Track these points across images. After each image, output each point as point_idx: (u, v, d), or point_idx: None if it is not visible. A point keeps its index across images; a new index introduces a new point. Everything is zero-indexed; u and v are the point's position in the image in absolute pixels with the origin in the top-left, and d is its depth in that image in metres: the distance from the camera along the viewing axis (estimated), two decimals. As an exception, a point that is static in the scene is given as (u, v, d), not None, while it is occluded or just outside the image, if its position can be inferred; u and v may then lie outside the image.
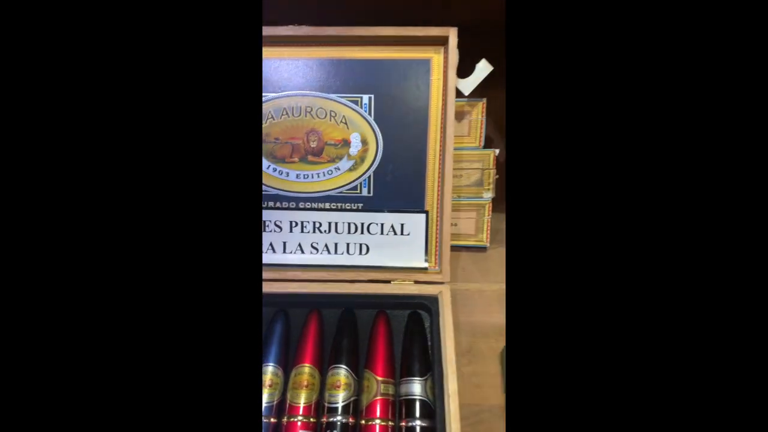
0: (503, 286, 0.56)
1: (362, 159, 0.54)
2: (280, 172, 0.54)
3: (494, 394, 0.49)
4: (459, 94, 0.53)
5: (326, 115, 0.53)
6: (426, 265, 0.54)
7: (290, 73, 0.52)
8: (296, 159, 0.54)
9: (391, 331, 0.50)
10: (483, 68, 0.53)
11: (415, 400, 0.44)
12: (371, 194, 0.54)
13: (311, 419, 0.44)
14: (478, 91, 0.55)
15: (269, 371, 0.46)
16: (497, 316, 0.54)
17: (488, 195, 0.58)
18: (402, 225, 0.54)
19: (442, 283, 0.53)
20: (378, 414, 0.43)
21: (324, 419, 0.44)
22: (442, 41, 0.51)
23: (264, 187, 0.55)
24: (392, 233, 0.55)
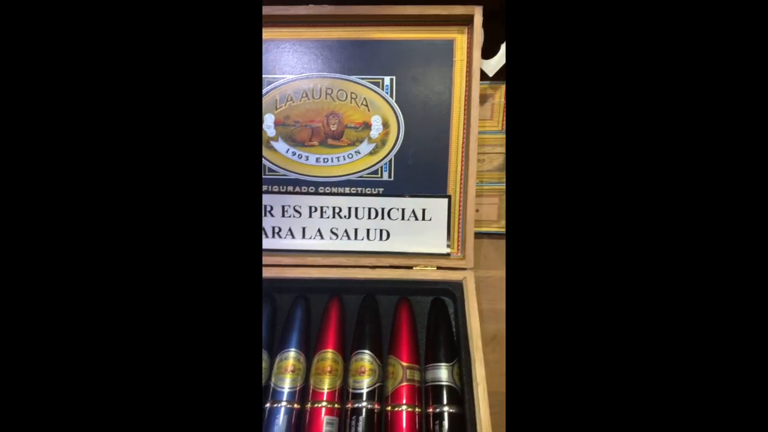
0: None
1: (383, 142, 0.52)
2: (300, 156, 0.53)
3: None
4: (483, 76, 0.52)
5: (347, 97, 0.52)
6: (448, 251, 0.53)
7: (310, 55, 0.51)
8: (316, 143, 0.53)
9: (414, 317, 0.49)
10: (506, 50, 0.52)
11: (442, 386, 0.43)
12: (392, 178, 0.53)
13: (335, 405, 0.42)
14: (500, 75, 0.54)
15: (291, 357, 0.45)
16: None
17: (511, 180, 0.57)
18: (423, 210, 0.53)
19: (465, 269, 0.52)
20: (404, 400, 0.42)
21: (349, 405, 0.42)
22: (467, 20, 0.50)
23: (283, 172, 0.53)
24: (413, 218, 0.53)
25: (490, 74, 0.52)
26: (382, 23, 0.50)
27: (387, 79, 0.52)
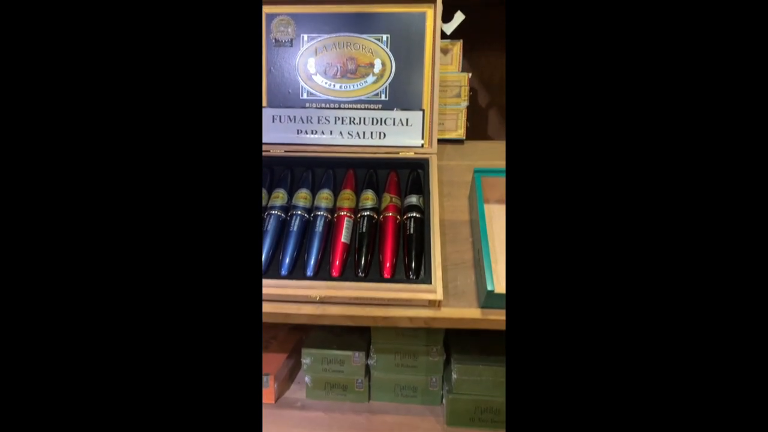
0: (472, 164, 0.84)
1: (382, 75, 0.83)
2: (330, 84, 0.84)
3: (462, 212, 0.78)
4: (443, 35, 0.83)
5: (359, 47, 0.83)
6: (422, 143, 0.84)
7: (336, 21, 0.83)
8: (339, 75, 0.84)
9: (399, 179, 0.80)
10: (458, 16, 0.83)
11: (412, 205, 0.74)
12: (387, 98, 0.84)
13: (352, 214, 0.73)
14: (456, 34, 0.85)
15: (325, 192, 0.76)
16: (467, 177, 0.83)
17: (464, 104, 0.88)
18: (407, 119, 0.84)
19: (431, 154, 0.82)
20: (390, 212, 0.73)
21: (359, 215, 0.73)
22: (433, 0, 0.81)
23: (319, 95, 0.85)
24: (400, 124, 0.84)
25: (448, 32, 0.83)
26: (381, 2, 0.82)
27: (384, 36, 0.83)
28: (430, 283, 0.63)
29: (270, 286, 0.64)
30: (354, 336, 1.01)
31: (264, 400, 0.97)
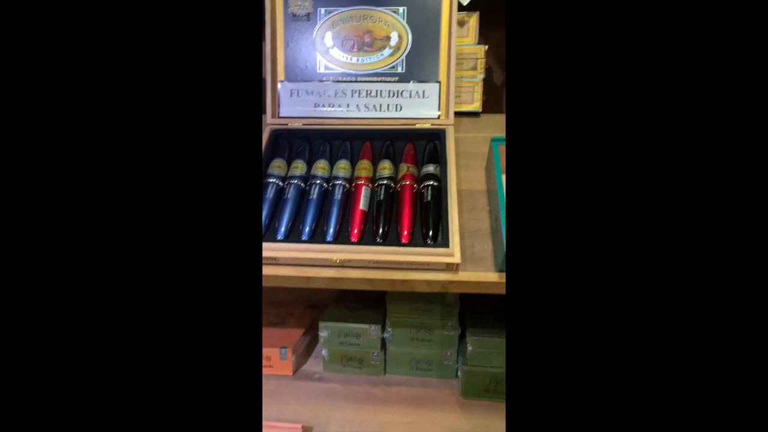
0: (488, 136, 0.84)
1: (398, 48, 0.84)
2: (347, 57, 0.85)
3: (479, 182, 0.78)
4: (460, 6, 0.83)
5: (376, 20, 0.84)
6: (438, 114, 0.84)
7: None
8: (356, 49, 0.85)
9: (416, 149, 0.81)
10: (475, -12, 0.83)
11: (429, 174, 0.74)
12: (404, 71, 0.84)
13: (369, 183, 0.74)
14: (471, 6, 0.84)
15: (342, 163, 0.77)
16: (483, 149, 0.83)
17: (480, 76, 0.88)
18: (423, 91, 0.84)
19: (448, 125, 0.83)
20: (407, 181, 0.74)
21: (376, 184, 0.74)
22: (449, -29, 0.81)
23: (336, 68, 0.85)
24: (417, 96, 0.84)
25: (464, 4, 0.83)
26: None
27: (401, 9, 0.83)
28: (448, 246, 0.63)
29: (291, 250, 0.66)
30: (370, 311, 1.03)
31: (282, 372, 0.99)
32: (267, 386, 0.96)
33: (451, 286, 0.65)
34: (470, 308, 0.98)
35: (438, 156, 0.78)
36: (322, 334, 0.98)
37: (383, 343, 0.98)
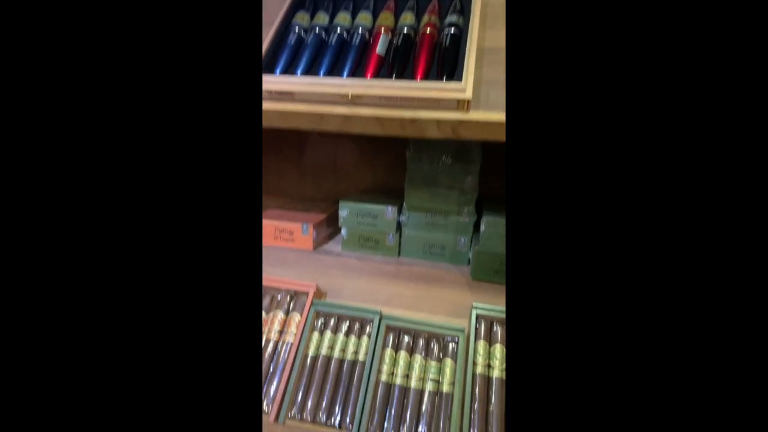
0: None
1: None
2: None
3: (502, 42, 0.73)
4: None
5: None
6: None
7: None
8: None
9: (440, 4, 0.78)
10: None
11: (452, 22, 0.72)
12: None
13: (389, 32, 0.73)
14: None
15: (364, 13, 0.76)
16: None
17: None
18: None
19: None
20: (428, 30, 0.72)
21: (397, 31, 0.73)
22: None
23: None
24: None
25: None
26: None
27: None
28: (460, 80, 0.62)
29: (305, 84, 0.67)
30: (389, 196, 1.04)
31: (303, 246, 1.04)
32: (287, 257, 1.01)
33: (461, 128, 0.64)
34: (488, 199, 0.97)
35: (463, 9, 0.75)
36: (342, 213, 1.01)
37: (399, 226, 1.00)
